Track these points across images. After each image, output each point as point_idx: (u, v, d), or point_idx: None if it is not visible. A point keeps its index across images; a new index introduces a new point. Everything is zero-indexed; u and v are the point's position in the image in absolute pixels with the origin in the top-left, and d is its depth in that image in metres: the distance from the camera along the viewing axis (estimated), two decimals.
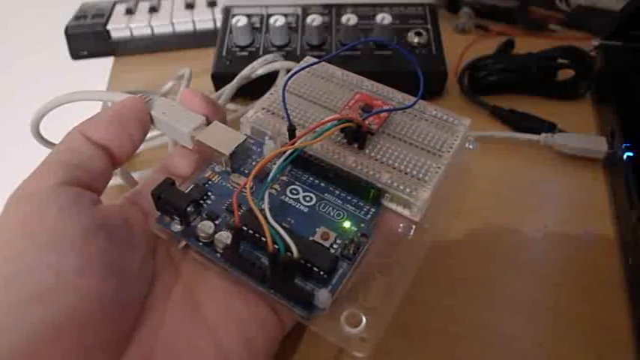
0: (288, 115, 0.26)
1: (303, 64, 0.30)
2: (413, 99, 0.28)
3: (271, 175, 0.23)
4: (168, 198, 0.24)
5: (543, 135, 0.42)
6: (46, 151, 0.35)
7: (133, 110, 0.27)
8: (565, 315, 0.31)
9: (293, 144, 0.25)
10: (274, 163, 0.24)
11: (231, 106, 0.46)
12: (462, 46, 0.53)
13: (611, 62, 0.47)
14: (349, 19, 0.46)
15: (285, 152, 0.24)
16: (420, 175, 0.25)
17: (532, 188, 0.40)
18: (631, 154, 0.37)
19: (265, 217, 0.22)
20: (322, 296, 0.22)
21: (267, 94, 0.29)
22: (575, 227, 0.36)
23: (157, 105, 0.27)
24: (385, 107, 0.28)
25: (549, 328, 0.31)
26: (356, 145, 0.26)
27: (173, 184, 0.24)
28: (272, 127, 0.27)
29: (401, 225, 0.25)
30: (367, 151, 0.26)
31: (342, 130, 0.26)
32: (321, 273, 0.22)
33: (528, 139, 0.42)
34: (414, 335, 0.30)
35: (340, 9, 0.50)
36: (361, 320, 0.22)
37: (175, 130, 0.27)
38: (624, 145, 0.38)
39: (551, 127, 0.43)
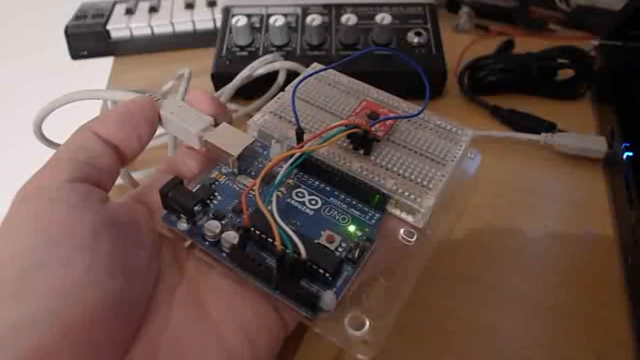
0: (297, 119, 0.26)
1: (310, 70, 0.30)
2: (418, 108, 0.28)
3: (279, 176, 0.24)
4: (175, 196, 0.24)
5: (543, 135, 0.42)
6: (47, 151, 0.35)
7: (142, 109, 0.27)
8: (565, 315, 0.31)
9: (301, 147, 0.25)
10: (281, 166, 0.25)
11: (231, 106, 0.46)
12: (462, 46, 0.54)
13: (611, 62, 0.47)
14: (349, 19, 0.46)
15: (292, 155, 0.25)
16: (425, 183, 0.25)
17: (532, 188, 0.40)
18: (631, 153, 0.37)
19: (274, 218, 0.22)
20: (328, 298, 0.22)
21: (275, 98, 0.29)
22: (575, 227, 0.37)
23: (166, 105, 0.28)
24: (391, 115, 0.28)
25: (549, 328, 0.31)
26: (362, 152, 0.26)
27: (181, 182, 0.25)
28: (279, 130, 0.28)
29: (404, 231, 0.25)
30: (373, 157, 0.26)
31: (349, 136, 0.26)
32: (327, 275, 0.22)
33: (528, 138, 0.43)
34: (413, 335, 0.30)
35: (340, 9, 0.50)
36: (364, 323, 0.22)
37: (184, 130, 0.27)
38: (624, 144, 0.38)
39: (551, 127, 0.43)
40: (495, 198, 0.38)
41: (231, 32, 0.48)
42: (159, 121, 0.28)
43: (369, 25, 0.48)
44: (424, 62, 0.46)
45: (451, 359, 0.30)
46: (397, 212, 0.26)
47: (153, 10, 0.58)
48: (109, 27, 0.56)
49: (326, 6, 0.50)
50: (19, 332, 0.18)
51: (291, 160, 0.24)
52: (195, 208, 0.24)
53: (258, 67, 0.44)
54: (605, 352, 0.30)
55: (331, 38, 0.48)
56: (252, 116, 0.29)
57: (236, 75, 0.44)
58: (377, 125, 0.27)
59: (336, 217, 0.25)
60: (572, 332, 0.31)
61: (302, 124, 0.27)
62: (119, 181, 0.36)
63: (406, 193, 0.25)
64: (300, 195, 0.26)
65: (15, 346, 0.18)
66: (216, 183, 0.26)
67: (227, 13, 0.50)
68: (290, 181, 0.27)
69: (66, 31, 0.55)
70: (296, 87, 0.27)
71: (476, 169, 0.29)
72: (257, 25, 0.49)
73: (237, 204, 0.25)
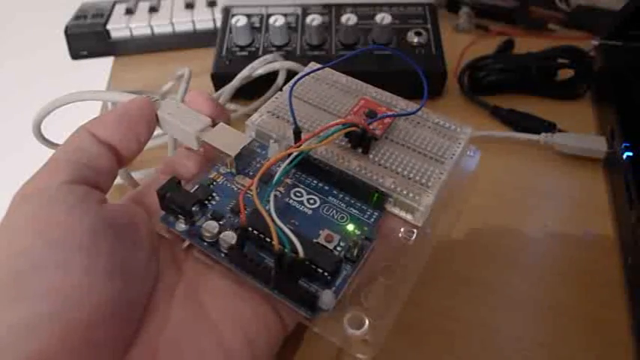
0: (294, 118, 0.26)
1: (308, 69, 0.30)
2: (416, 106, 0.28)
3: (277, 176, 0.24)
4: (173, 197, 0.24)
5: (543, 135, 0.42)
6: (46, 151, 0.35)
7: (140, 110, 0.27)
8: (565, 315, 0.31)
9: (298, 147, 0.25)
10: (279, 166, 0.25)
11: (231, 106, 0.46)
12: (462, 46, 0.53)
13: (610, 62, 0.47)
14: (349, 18, 0.46)
15: (290, 155, 0.25)
16: (424, 181, 0.25)
17: (532, 188, 0.40)
18: (631, 153, 0.37)
19: (271, 218, 0.22)
20: (326, 297, 0.22)
21: (273, 98, 0.29)
22: (575, 227, 0.37)
23: (164, 105, 0.28)
24: (389, 113, 0.28)
25: (549, 327, 0.31)
26: (360, 150, 0.26)
27: (179, 183, 0.25)
28: (277, 130, 0.28)
29: (403, 229, 0.25)
30: (371, 155, 0.26)
31: (347, 134, 0.26)
32: (325, 274, 0.22)
33: (528, 139, 0.42)
34: (413, 334, 0.30)
35: (340, 9, 0.50)
36: (364, 322, 0.22)
37: (181, 130, 0.27)
38: (624, 144, 0.38)
39: (551, 127, 0.43)
40: (495, 198, 0.38)
41: (231, 32, 0.48)
42: (157, 122, 0.28)
43: (369, 25, 0.48)
44: (424, 62, 0.45)
45: (451, 359, 0.30)
46: (396, 211, 0.26)
47: (153, 10, 0.58)
48: (109, 27, 0.56)
49: (326, 6, 0.50)
50: (19, 335, 0.18)
51: (289, 160, 0.24)
52: (193, 208, 0.24)
53: (258, 67, 0.44)
54: (605, 352, 0.29)
55: (331, 38, 0.48)
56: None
57: (236, 75, 0.44)
58: (375, 123, 0.27)
59: (335, 216, 0.25)
60: (572, 332, 0.30)
61: (300, 124, 0.27)
62: (119, 181, 0.36)
63: (405, 192, 0.25)
64: (299, 194, 0.26)
65: (15, 350, 0.18)
66: (214, 183, 0.26)
67: (227, 13, 0.50)
68: (288, 180, 0.27)
69: (66, 31, 0.55)
70: (293, 86, 0.27)
71: (475, 166, 0.29)
72: (257, 25, 0.49)
73: (235, 204, 0.25)
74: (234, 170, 0.27)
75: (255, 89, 0.45)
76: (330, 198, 0.26)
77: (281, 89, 0.30)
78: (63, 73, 0.56)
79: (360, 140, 0.26)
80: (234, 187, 0.26)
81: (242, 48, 0.47)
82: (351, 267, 0.23)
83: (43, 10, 0.66)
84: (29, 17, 0.68)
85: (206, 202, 0.25)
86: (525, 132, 0.43)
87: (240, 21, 0.47)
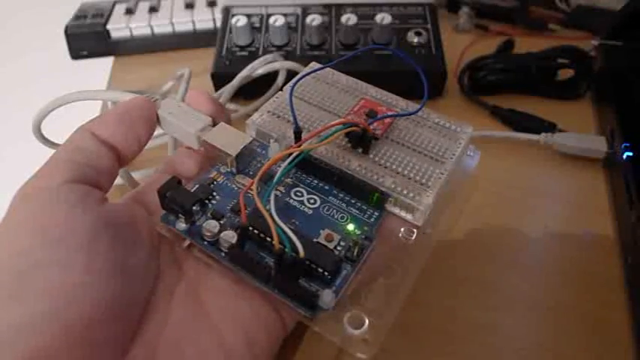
0: (295, 118, 0.26)
1: (308, 69, 0.30)
2: (416, 106, 0.28)
3: (277, 175, 0.24)
4: (174, 196, 0.24)
5: (543, 135, 0.42)
6: (46, 151, 0.35)
7: (140, 110, 0.27)
8: (565, 315, 0.31)
9: (299, 146, 0.25)
10: (279, 165, 0.25)
11: (231, 105, 0.46)
12: (462, 46, 0.54)
13: (611, 62, 0.47)
14: (349, 18, 0.46)
15: (290, 154, 0.25)
16: (424, 181, 0.25)
17: (532, 188, 0.40)
18: (631, 153, 0.37)
19: (272, 217, 0.22)
20: (326, 297, 0.22)
21: (273, 98, 0.29)
22: (575, 227, 0.36)
23: (164, 105, 0.28)
24: (390, 113, 0.28)
25: (549, 327, 0.31)
26: (360, 150, 0.26)
27: (179, 182, 0.25)
28: (277, 129, 0.28)
29: (403, 229, 0.25)
30: (371, 155, 0.26)
31: (347, 134, 0.26)
32: (326, 274, 0.22)
33: (528, 138, 0.42)
34: (413, 334, 0.30)
35: (340, 9, 0.50)
36: (364, 322, 0.22)
37: (182, 130, 0.27)
38: (624, 144, 0.38)
39: (551, 127, 0.43)
40: (495, 198, 0.38)
41: (231, 32, 0.48)
42: (157, 121, 0.28)
43: (369, 25, 0.48)
44: (424, 62, 0.45)
45: (451, 359, 0.30)
46: (396, 210, 0.26)
47: (153, 10, 0.58)
48: (109, 27, 0.56)
49: (326, 6, 0.50)
50: (19, 334, 0.18)
51: (289, 159, 0.24)
52: (194, 207, 0.24)
53: (258, 67, 0.44)
54: (605, 352, 0.29)
55: (331, 38, 0.48)
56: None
57: (236, 75, 0.44)
58: (375, 123, 0.27)
59: (335, 216, 0.25)
60: (572, 332, 0.30)
61: (300, 124, 0.27)
62: (119, 181, 0.36)
63: (405, 191, 0.25)
64: (299, 194, 0.26)
65: (15, 348, 0.18)
66: (215, 183, 0.27)
67: (227, 13, 0.50)
68: (289, 180, 0.27)
69: (66, 31, 0.55)
70: (293, 86, 0.27)
71: (475, 166, 0.29)
72: (257, 25, 0.49)
73: (236, 203, 0.25)
74: (234, 170, 0.27)
75: (256, 89, 0.45)
76: (330, 198, 0.26)
77: (281, 89, 0.30)
78: (63, 73, 0.55)
79: (361, 140, 0.26)
80: (234, 186, 0.26)
81: (242, 48, 0.47)
82: (351, 266, 0.23)
83: (43, 10, 0.66)
84: (29, 17, 0.68)
85: (206, 201, 0.25)
86: (525, 132, 0.43)
87: (240, 21, 0.47)
